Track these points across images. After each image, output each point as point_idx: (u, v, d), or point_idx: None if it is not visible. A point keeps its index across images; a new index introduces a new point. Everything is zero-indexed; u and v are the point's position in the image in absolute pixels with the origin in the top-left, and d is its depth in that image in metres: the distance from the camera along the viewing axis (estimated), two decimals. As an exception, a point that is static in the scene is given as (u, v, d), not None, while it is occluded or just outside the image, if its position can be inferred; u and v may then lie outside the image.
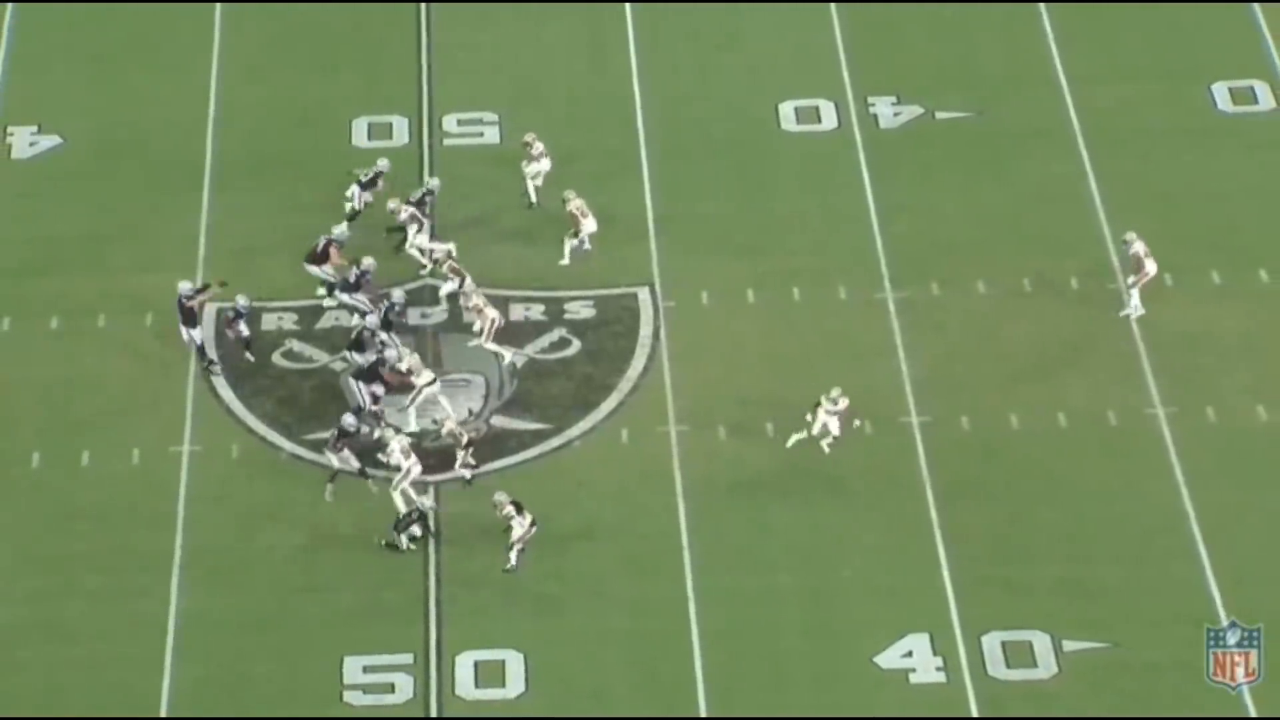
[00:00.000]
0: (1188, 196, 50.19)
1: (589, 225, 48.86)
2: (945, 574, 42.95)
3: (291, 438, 45.67)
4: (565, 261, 48.94)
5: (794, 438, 44.70)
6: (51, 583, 43.03)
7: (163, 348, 47.16)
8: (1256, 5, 54.94)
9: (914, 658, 41.56)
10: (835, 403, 44.30)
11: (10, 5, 55.71)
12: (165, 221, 50.06)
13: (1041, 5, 55.22)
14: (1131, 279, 47.83)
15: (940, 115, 52.64)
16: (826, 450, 44.68)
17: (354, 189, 49.38)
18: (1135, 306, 47.67)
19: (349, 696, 41.07)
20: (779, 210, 50.34)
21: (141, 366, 46.89)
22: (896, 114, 52.75)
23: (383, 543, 42.81)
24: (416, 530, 42.92)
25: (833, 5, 55.56)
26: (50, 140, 52.37)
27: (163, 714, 40.76)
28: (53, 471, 44.91)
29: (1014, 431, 45.57)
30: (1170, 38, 54.56)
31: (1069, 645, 41.61)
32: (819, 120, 52.75)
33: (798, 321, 47.99)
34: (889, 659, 41.51)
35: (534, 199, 49.93)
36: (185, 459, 45.25)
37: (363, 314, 46.81)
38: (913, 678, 41.27)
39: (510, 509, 42.30)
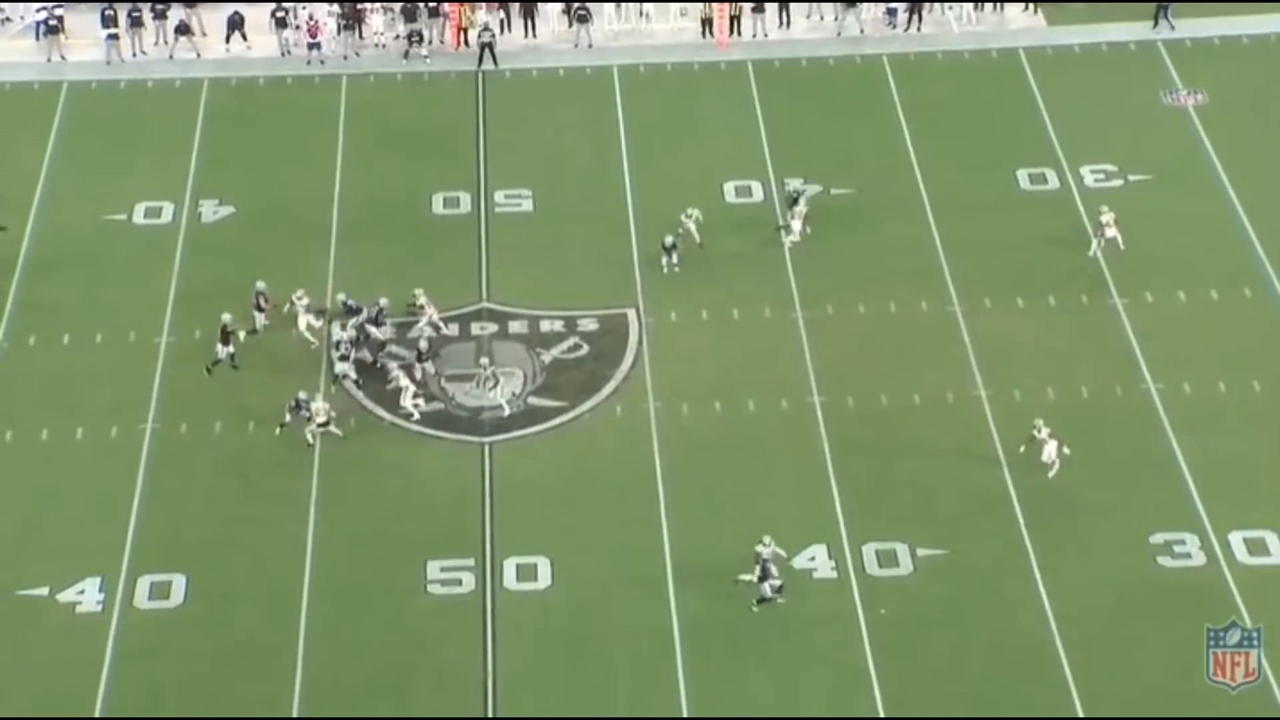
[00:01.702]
0: (999, 247, 50.11)
1: (796, 226, 49.58)
2: (837, 504, 42.97)
3: (391, 412, 45.60)
4: (796, 238, 49.96)
5: (1039, 452, 42.85)
6: (232, 513, 43.17)
7: (305, 350, 46.98)
8: (1047, 117, 54.65)
9: (816, 561, 41.63)
10: (1040, 431, 42.84)
11: (201, 117, 55.28)
12: (303, 265, 49.77)
13: (901, 117, 54.90)
14: (1097, 238, 48.98)
15: (834, 191, 52.16)
16: (1052, 477, 42.78)
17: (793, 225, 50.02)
18: (1116, 241, 48.83)
19: (430, 588, 41.23)
20: (723, 256, 49.88)
21: (289, 362, 46.69)
22: (805, 190, 51.74)
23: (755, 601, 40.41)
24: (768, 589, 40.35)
25: (760, 114, 55.20)
26: (227, 209, 52.04)
27: (304, 600, 40.86)
28: (230, 436, 44.85)
29: (883, 407, 45.51)
30: (988, 138, 54.12)
31: (921, 552, 41.76)
32: (751, 195, 52.36)
33: (736, 333, 47.83)
34: (799, 562, 41.55)
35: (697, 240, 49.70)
36: (318, 429, 44.89)
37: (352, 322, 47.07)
38: (815, 575, 41.36)
39: (779, 551, 40.52)
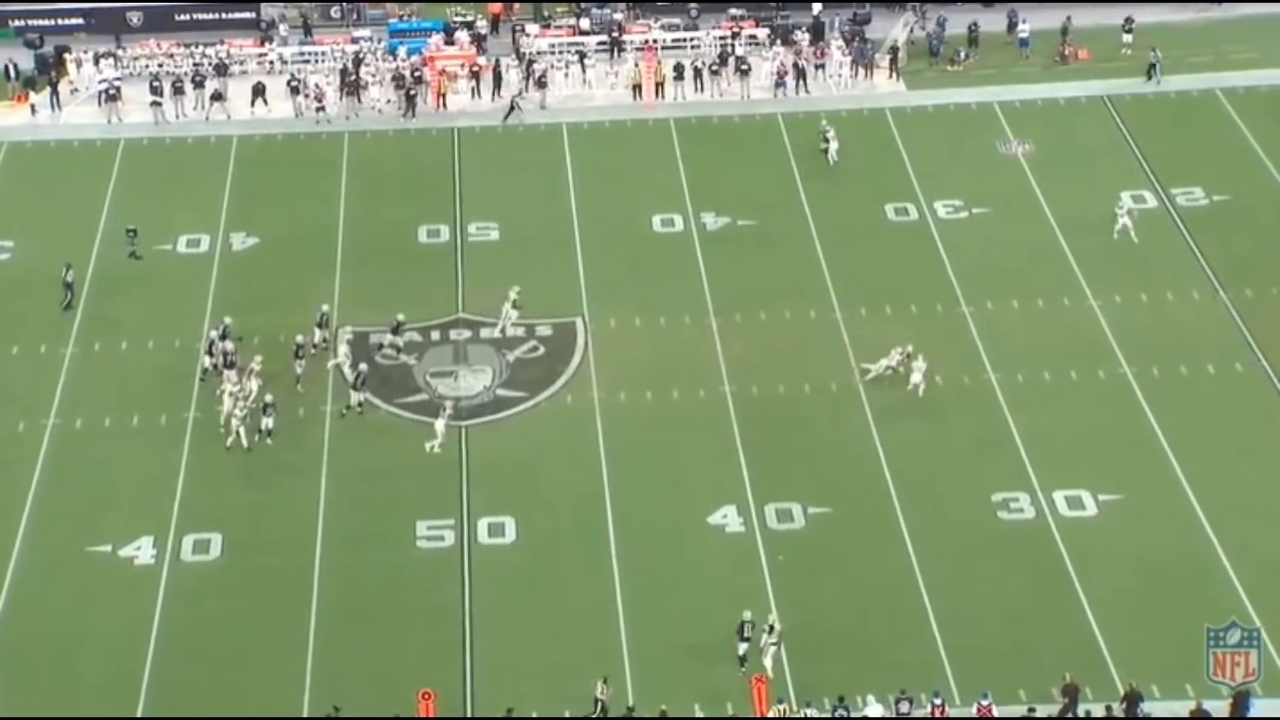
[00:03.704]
0: (872, 266, 49.92)
1: (833, 148, 52.61)
2: (744, 472, 42.85)
3: (387, 402, 45.26)
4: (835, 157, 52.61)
5: (871, 369, 44.60)
6: (258, 483, 42.98)
7: (319, 353, 46.29)
8: (907, 162, 54.24)
9: (728, 518, 41.61)
10: (904, 352, 44.32)
11: (231, 166, 54.71)
12: (314, 286, 49.08)
13: (793, 162, 54.56)
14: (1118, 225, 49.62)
15: (740, 223, 51.94)
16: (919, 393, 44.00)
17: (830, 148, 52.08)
18: (1128, 230, 49.57)
19: (419, 543, 41.07)
20: (652, 275, 49.80)
21: (305, 364, 45.90)
22: (716, 222, 51.98)
23: None
24: None
25: (680, 161, 54.85)
26: (253, 240, 51.49)
27: (317, 553, 40.60)
28: (256, 422, 43.92)
29: (780, 395, 45.33)
30: (861, 179, 53.70)
31: (812, 510, 41.67)
32: (674, 225, 52.02)
33: (663, 336, 47.58)
34: (714, 519, 41.59)
35: None
36: (328, 416, 44.84)
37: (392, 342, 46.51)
38: (727, 529, 41.36)
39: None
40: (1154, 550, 40.45)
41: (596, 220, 52.25)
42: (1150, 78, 58.08)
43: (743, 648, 37.37)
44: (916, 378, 44.15)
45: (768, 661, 37.17)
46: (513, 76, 58.86)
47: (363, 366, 44.98)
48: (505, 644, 38.52)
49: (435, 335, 47.52)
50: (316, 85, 57.61)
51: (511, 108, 57.22)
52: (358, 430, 44.33)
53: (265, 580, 40.13)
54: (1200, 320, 47.46)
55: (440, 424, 43.48)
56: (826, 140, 54.00)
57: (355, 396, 44.60)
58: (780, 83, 58.30)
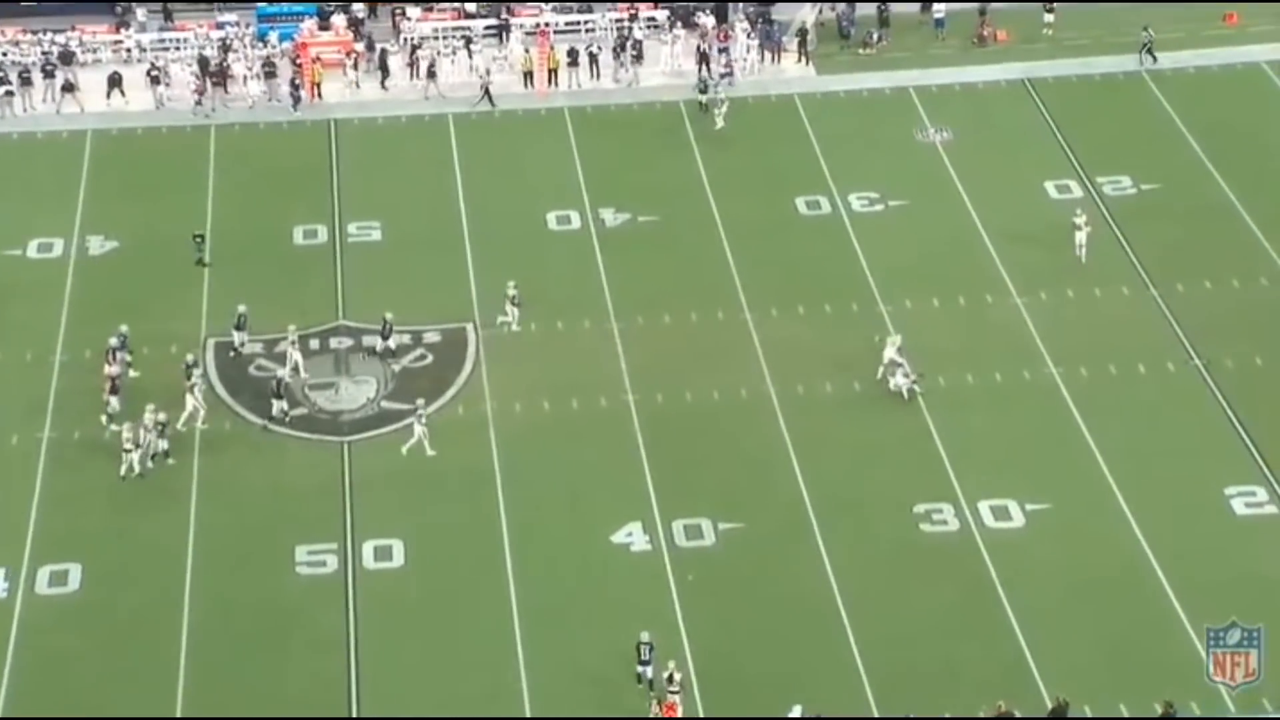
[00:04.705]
0: (782, 264, 50.09)
1: (723, 110, 54.14)
2: (650, 487, 42.72)
3: (261, 417, 44.88)
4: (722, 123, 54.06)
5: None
6: (121, 508, 42.42)
7: (182, 360, 45.61)
8: (819, 152, 54.60)
9: (633, 537, 41.42)
10: (892, 343, 45.01)
11: (86, 163, 53.95)
12: (182, 290, 49.01)
13: (697, 153, 54.60)
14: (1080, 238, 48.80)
15: (641, 219, 52.00)
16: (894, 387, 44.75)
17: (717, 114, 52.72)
18: (1080, 247, 48.93)
19: (298, 569, 40.66)
20: (547, 276, 49.66)
21: (174, 372, 45.19)
22: (616, 218, 52.01)
23: None
24: None
25: (576, 154, 54.85)
26: (112, 243, 50.89)
27: (187, 581, 40.14)
28: (118, 441, 43.09)
29: (687, 403, 45.30)
30: (770, 170, 54.06)
31: (722, 525, 41.62)
32: (571, 223, 52.01)
33: (559, 341, 47.43)
34: (619, 537, 41.40)
35: None
36: (198, 431, 44.33)
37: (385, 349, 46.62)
38: (633, 548, 41.20)
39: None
40: (1084, 561, 40.67)
41: (487, 218, 52.02)
42: (1144, 57, 58.03)
43: (644, 670, 37.27)
44: (890, 352, 44.58)
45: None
46: (394, 63, 58.51)
47: (281, 373, 44.78)
48: (394, 676, 38.11)
49: (314, 344, 47.11)
50: (195, 75, 57.02)
51: (484, 93, 56.89)
52: (230, 448, 43.90)
53: (130, 613, 39.48)
54: (1130, 317, 47.89)
55: (419, 427, 43.46)
56: (706, 86, 54.74)
57: (276, 405, 44.35)
58: (728, 73, 57.76)
